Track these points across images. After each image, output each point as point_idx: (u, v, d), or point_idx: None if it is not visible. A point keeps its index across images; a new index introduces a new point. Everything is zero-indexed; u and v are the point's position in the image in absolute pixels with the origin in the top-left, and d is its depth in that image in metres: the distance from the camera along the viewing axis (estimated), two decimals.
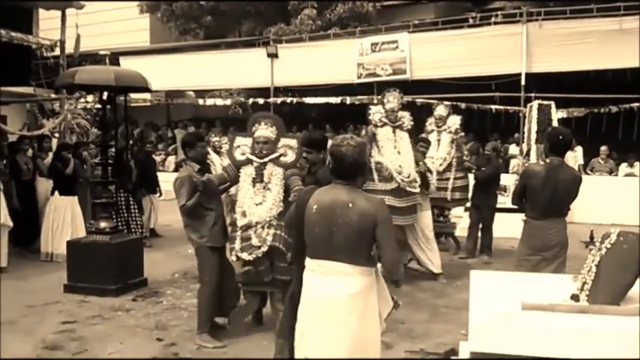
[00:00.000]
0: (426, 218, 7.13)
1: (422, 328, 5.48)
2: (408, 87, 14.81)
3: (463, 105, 13.74)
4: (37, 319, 5.74)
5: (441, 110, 8.51)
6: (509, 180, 10.88)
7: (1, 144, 11.61)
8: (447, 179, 8.12)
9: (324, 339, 2.93)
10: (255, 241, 4.83)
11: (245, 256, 4.86)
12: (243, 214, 4.93)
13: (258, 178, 5.01)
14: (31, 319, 5.77)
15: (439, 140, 8.27)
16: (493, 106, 14.12)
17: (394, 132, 6.64)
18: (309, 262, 3.05)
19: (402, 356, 4.80)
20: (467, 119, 14.69)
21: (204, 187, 5.00)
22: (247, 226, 4.89)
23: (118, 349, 4.99)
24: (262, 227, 4.85)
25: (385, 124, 6.60)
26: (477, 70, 13.71)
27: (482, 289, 2.93)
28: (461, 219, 9.12)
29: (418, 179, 6.73)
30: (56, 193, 8.33)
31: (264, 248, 4.80)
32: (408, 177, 6.52)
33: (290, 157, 5.08)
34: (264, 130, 5.02)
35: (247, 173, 5.04)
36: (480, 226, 8.58)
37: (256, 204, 4.93)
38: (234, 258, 4.99)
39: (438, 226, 8.11)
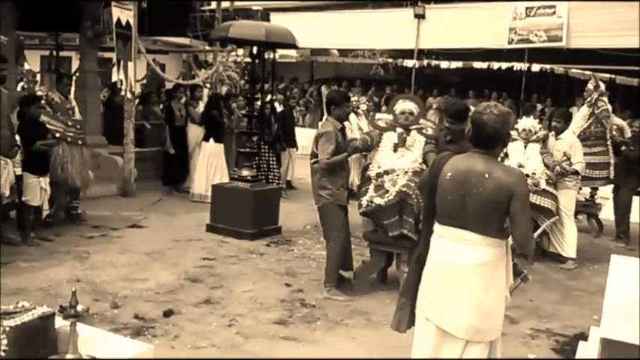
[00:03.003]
0: (564, 197, 6.72)
1: (551, 308, 5.29)
2: (562, 55, 13.95)
3: (620, 79, 12.65)
4: (181, 253, 6.28)
5: (590, 84, 7.96)
6: None
7: (159, 90, 12.58)
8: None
9: (447, 304, 2.94)
10: (387, 185, 5.02)
11: (378, 200, 5.02)
12: (379, 167, 5.18)
13: (401, 142, 5.24)
14: (176, 252, 6.32)
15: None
16: None
17: (526, 146, 6.72)
18: (438, 227, 3.04)
19: (527, 333, 4.69)
20: (624, 94, 13.61)
21: (354, 151, 5.33)
22: (382, 173, 5.11)
23: (251, 288, 5.34)
24: (397, 174, 5.05)
25: (516, 139, 6.66)
26: None
27: (622, 274, 2.77)
28: (607, 200, 8.52)
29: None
30: (211, 140, 8.87)
31: (395, 189, 4.96)
32: (537, 184, 6.35)
33: (432, 131, 5.34)
34: (408, 104, 5.36)
35: (389, 138, 5.31)
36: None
37: (396, 159, 5.20)
38: (364, 203, 5.11)
39: (581, 205, 7.68)
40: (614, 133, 7.76)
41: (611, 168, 7.75)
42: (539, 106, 14.97)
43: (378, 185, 5.09)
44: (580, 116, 7.74)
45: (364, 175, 5.37)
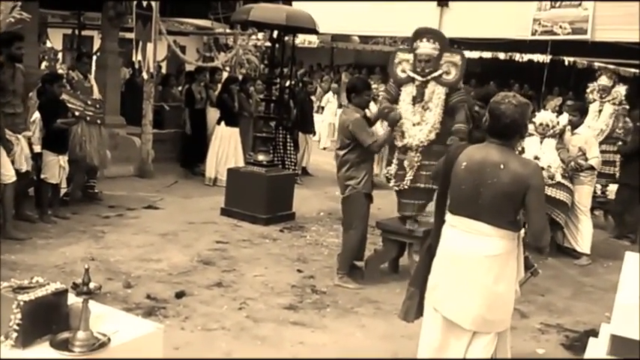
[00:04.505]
0: (579, 193, 6.65)
1: (563, 304, 5.26)
2: (585, 48, 13.72)
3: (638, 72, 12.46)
4: (195, 235, 6.32)
5: (604, 80, 7.90)
6: None
7: (179, 72, 12.60)
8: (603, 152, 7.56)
9: (456, 295, 2.94)
10: (406, 163, 5.10)
11: (392, 183, 5.17)
12: (402, 135, 5.11)
13: (419, 97, 5.08)
14: (190, 234, 6.36)
15: (600, 111, 7.77)
16: None
17: (542, 141, 6.62)
18: (450, 217, 3.04)
19: (537, 328, 4.67)
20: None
21: (395, 122, 5.14)
22: (405, 149, 5.10)
23: (262, 272, 5.37)
24: (415, 159, 5.07)
25: (532, 134, 6.59)
26: None
27: (635, 271, 2.75)
28: None
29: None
30: (222, 123, 8.90)
31: (409, 177, 5.07)
32: (552, 177, 6.36)
33: (453, 75, 5.06)
34: (427, 47, 5.02)
35: (408, 92, 5.14)
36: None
37: (414, 124, 5.06)
38: (385, 174, 5.32)
39: (598, 201, 7.61)
40: (618, 130, 7.78)
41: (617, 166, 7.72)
42: (560, 99, 14.80)
43: (400, 168, 5.15)
44: (607, 114, 7.69)
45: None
